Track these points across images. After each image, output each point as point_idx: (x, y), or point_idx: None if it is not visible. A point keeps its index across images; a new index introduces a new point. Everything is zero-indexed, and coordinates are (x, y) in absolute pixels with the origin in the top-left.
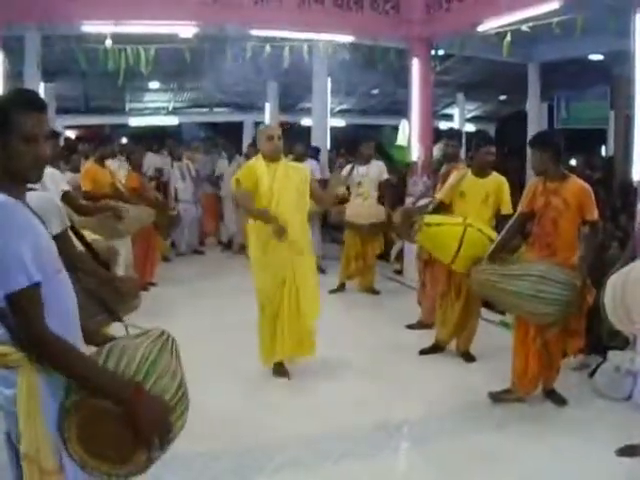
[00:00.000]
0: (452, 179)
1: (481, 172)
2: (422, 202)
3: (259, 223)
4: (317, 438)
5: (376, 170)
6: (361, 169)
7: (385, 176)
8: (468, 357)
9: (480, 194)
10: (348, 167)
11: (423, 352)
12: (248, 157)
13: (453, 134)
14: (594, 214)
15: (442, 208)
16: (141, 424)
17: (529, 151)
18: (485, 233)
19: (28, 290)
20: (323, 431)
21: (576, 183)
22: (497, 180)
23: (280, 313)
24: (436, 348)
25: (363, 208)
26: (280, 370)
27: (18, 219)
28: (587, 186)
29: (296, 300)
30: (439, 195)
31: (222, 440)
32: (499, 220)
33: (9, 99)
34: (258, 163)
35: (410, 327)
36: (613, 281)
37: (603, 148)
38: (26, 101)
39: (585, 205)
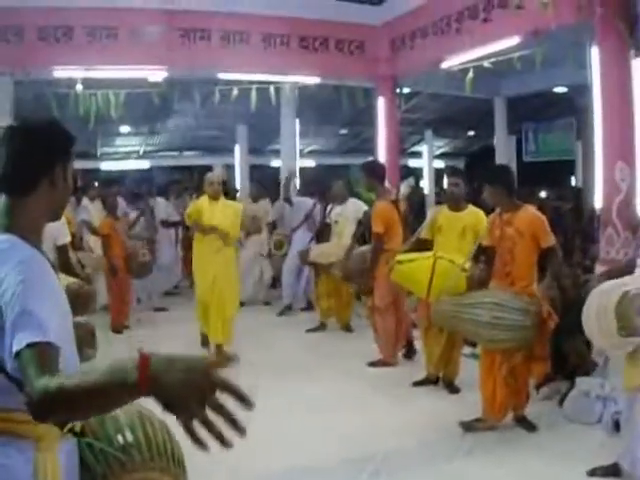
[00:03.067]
0: (429, 215)
1: (455, 206)
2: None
3: (199, 241)
4: (288, 470)
5: (352, 208)
6: (337, 209)
7: (363, 210)
8: (453, 389)
9: (457, 228)
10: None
11: (417, 384)
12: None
13: (454, 172)
14: (549, 240)
15: (422, 245)
16: (172, 397)
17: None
18: (456, 263)
19: (52, 344)
20: (293, 463)
21: (528, 212)
22: (474, 212)
23: (210, 305)
24: (429, 381)
25: (327, 248)
26: (220, 352)
27: (49, 282)
28: (539, 214)
29: (221, 296)
30: (422, 233)
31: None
32: (478, 252)
33: (64, 130)
34: (203, 201)
35: (371, 364)
36: (598, 300)
37: (573, 179)
38: (70, 136)
39: (539, 233)
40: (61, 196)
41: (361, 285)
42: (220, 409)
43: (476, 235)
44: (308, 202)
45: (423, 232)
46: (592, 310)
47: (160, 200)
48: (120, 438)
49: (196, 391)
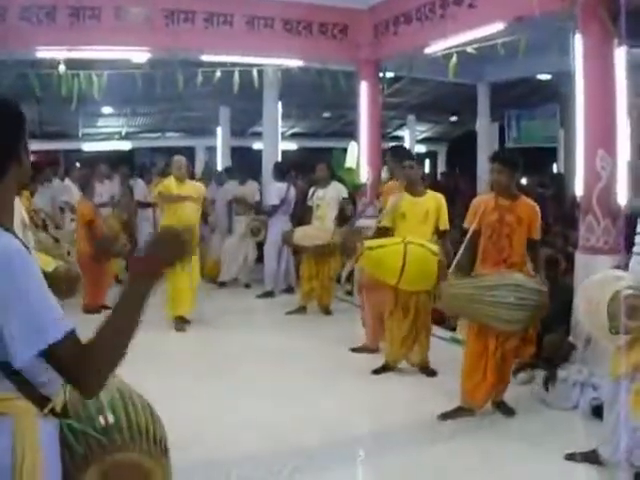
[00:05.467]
0: (391, 203)
1: (414, 190)
2: (363, 222)
3: (168, 217)
4: (267, 455)
5: (334, 192)
6: (319, 192)
7: (344, 195)
8: (428, 372)
9: (420, 213)
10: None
11: (376, 372)
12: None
13: (407, 154)
14: (538, 234)
15: (387, 233)
16: (160, 260)
17: (484, 171)
18: (427, 247)
19: (67, 339)
20: (274, 448)
21: (528, 203)
22: (434, 197)
23: (178, 281)
24: (387, 367)
25: (311, 230)
26: (179, 324)
27: (35, 269)
28: (537, 206)
29: (188, 273)
30: (382, 222)
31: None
32: (439, 236)
33: (18, 107)
34: (170, 181)
35: (354, 350)
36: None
37: (555, 166)
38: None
39: (534, 224)
40: (26, 170)
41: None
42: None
43: (436, 219)
44: (282, 187)
45: (385, 220)
46: (586, 301)
47: (139, 181)
48: (102, 419)
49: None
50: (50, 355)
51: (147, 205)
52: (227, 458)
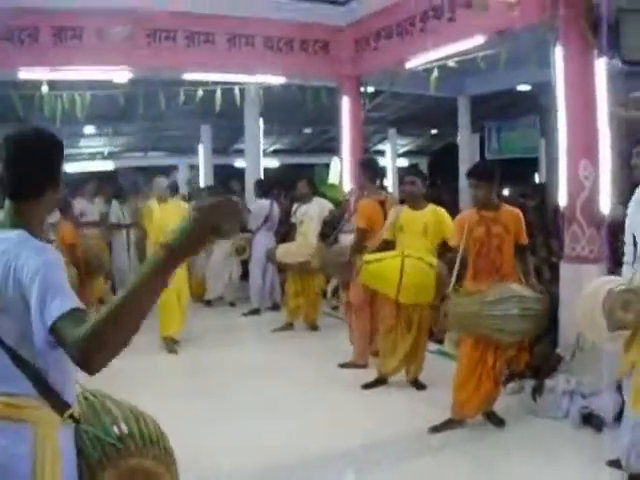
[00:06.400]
0: (391, 215)
1: (414, 204)
2: (343, 238)
3: (153, 244)
4: (256, 469)
5: (317, 208)
6: (302, 208)
7: (328, 207)
8: (419, 385)
9: (418, 227)
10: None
11: (367, 386)
12: (188, 198)
13: (410, 171)
14: (525, 239)
15: (388, 246)
16: (192, 241)
17: (466, 183)
18: (424, 260)
19: (82, 309)
20: (264, 463)
21: (511, 210)
22: (435, 211)
23: (166, 299)
24: (379, 381)
25: (293, 247)
26: (169, 345)
27: (63, 267)
28: (520, 212)
29: (176, 291)
30: (383, 235)
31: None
32: (446, 250)
33: (57, 137)
34: (152, 203)
35: (343, 366)
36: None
37: (536, 176)
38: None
39: (520, 230)
40: (60, 196)
41: (337, 277)
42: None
43: (437, 233)
44: (265, 204)
45: (385, 233)
46: (581, 313)
47: (114, 202)
48: (115, 429)
49: (215, 218)
50: (61, 327)
51: (123, 227)
52: (220, 476)
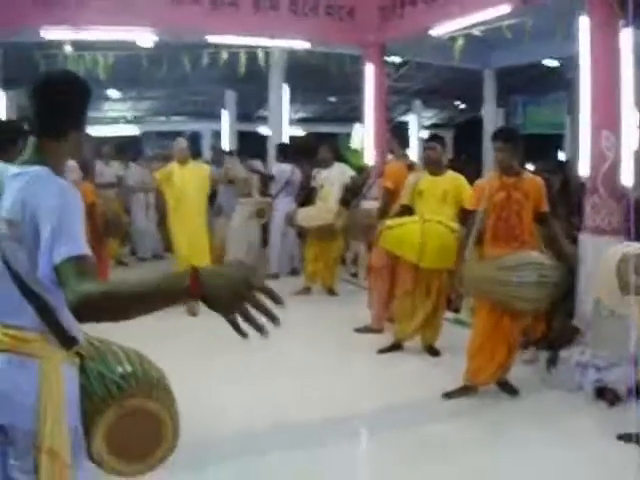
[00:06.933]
0: (410, 181)
1: (434, 170)
2: (366, 204)
3: (174, 208)
4: (268, 430)
5: (338, 173)
6: (323, 173)
7: (349, 174)
8: (433, 351)
9: (437, 192)
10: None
11: (382, 351)
12: (211, 162)
13: (431, 137)
14: (546, 206)
15: (406, 212)
16: (217, 297)
17: (490, 157)
18: (445, 224)
19: (90, 257)
20: (274, 423)
21: (533, 178)
22: (454, 177)
23: (189, 261)
24: (395, 346)
25: (313, 211)
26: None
27: (81, 208)
28: (541, 179)
29: (198, 252)
30: (401, 200)
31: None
32: (464, 216)
33: (87, 83)
34: (172, 166)
35: (358, 330)
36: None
37: (561, 154)
38: (88, 88)
39: (541, 198)
40: (81, 143)
41: (361, 240)
42: (258, 305)
43: (457, 199)
44: (286, 168)
45: (404, 198)
46: (599, 275)
47: (133, 166)
48: (119, 368)
49: (237, 292)
50: (65, 270)
51: (138, 189)
52: (230, 433)
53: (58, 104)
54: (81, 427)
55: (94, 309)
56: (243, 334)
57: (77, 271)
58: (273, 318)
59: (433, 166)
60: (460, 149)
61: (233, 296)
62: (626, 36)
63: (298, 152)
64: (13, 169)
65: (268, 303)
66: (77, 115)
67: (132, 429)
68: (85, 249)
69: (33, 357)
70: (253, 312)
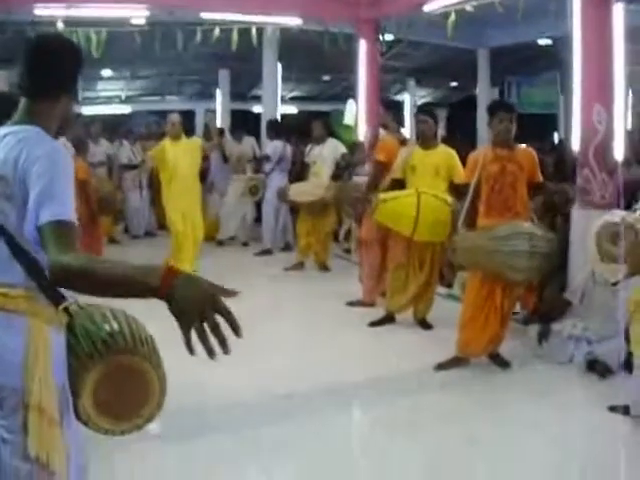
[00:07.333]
0: (401, 155)
1: (426, 144)
2: (358, 179)
3: (167, 183)
4: (262, 402)
5: (330, 148)
6: (316, 149)
7: (341, 151)
8: (425, 325)
9: (431, 166)
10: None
11: (373, 324)
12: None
13: (423, 109)
14: (540, 176)
15: (398, 185)
16: (181, 307)
17: (484, 136)
18: (440, 197)
19: (74, 224)
20: (270, 394)
21: (525, 149)
22: (446, 151)
23: (183, 238)
24: (387, 319)
25: (306, 186)
26: None
27: (71, 172)
28: (533, 151)
29: (192, 226)
30: (393, 174)
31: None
32: (454, 190)
33: (81, 50)
34: (165, 142)
35: (350, 304)
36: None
37: (556, 135)
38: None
39: (535, 168)
40: (72, 109)
41: (350, 211)
42: (215, 328)
43: (449, 173)
44: (278, 145)
45: (397, 172)
46: (587, 241)
47: (125, 143)
48: (107, 326)
49: (200, 308)
50: (48, 232)
51: (132, 167)
52: (222, 403)
53: (51, 65)
54: (68, 385)
55: (68, 280)
56: (191, 350)
57: (57, 235)
58: (223, 345)
59: (425, 139)
60: (454, 128)
61: (196, 311)
62: (617, 11)
63: (290, 129)
64: (3, 129)
65: (224, 328)
66: (69, 79)
67: (119, 386)
68: (70, 215)
69: (21, 314)
70: (208, 332)
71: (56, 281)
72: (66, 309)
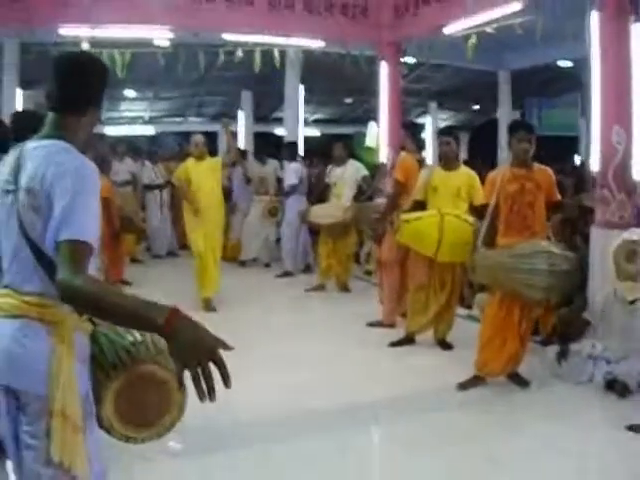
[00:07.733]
0: (422, 176)
1: (448, 165)
2: (380, 201)
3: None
4: (282, 419)
5: (351, 170)
6: (337, 170)
7: (362, 174)
8: (445, 345)
9: (452, 187)
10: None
11: (394, 344)
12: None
13: (445, 131)
14: (558, 195)
15: (419, 208)
16: (180, 349)
17: (508, 146)
18: (462, 218)
19: (90, 245)
20: (290, 412)
21: (544, 169)
22: (467, 173)
23: (205, 260)
24: (407, 340)
25: (326, 208)
26: (208, 305)
27: (97, 190)
28: (551, 171)
29: (212, 250)
30: (414, 196)
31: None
32: (473, 211)
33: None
34: (189, 162)
35: (370, 325)
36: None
37: (576, 156)
38: (107, 70)
39: (553, 188)
40: (96, 124)
41: (369, 232)
42: (208, 377)
43: (469, 194)
44: (297, 167)
45: (417, 194)
46: (606, 260)
47: (147, 163)
48: (130, 337)
49: (197, 354)
50: (64, 250)
51: (154, 187)
52: (241, 420)
53: (80, 79)
54: (91, 393)
55: (75, 302)
56: (183, 388)
57: (71, 255)
58: (210, 393)
59: (448, 161)
60: (475, 151)
61: (193, 358)
62: (637, 31)
63: (312, 152)
64: (33, 142)
65: (215, 376)
66: (96, 93)
67: (141, 396)
68: (87, 235)
69: (47, 323)
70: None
71: (65, 298)
72: (90, 319)
